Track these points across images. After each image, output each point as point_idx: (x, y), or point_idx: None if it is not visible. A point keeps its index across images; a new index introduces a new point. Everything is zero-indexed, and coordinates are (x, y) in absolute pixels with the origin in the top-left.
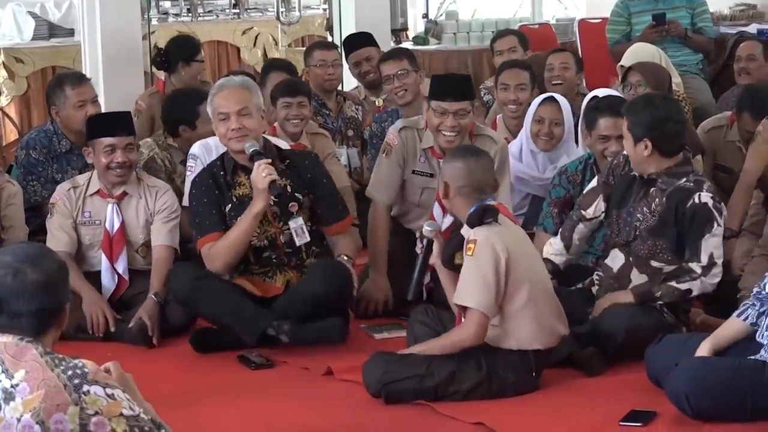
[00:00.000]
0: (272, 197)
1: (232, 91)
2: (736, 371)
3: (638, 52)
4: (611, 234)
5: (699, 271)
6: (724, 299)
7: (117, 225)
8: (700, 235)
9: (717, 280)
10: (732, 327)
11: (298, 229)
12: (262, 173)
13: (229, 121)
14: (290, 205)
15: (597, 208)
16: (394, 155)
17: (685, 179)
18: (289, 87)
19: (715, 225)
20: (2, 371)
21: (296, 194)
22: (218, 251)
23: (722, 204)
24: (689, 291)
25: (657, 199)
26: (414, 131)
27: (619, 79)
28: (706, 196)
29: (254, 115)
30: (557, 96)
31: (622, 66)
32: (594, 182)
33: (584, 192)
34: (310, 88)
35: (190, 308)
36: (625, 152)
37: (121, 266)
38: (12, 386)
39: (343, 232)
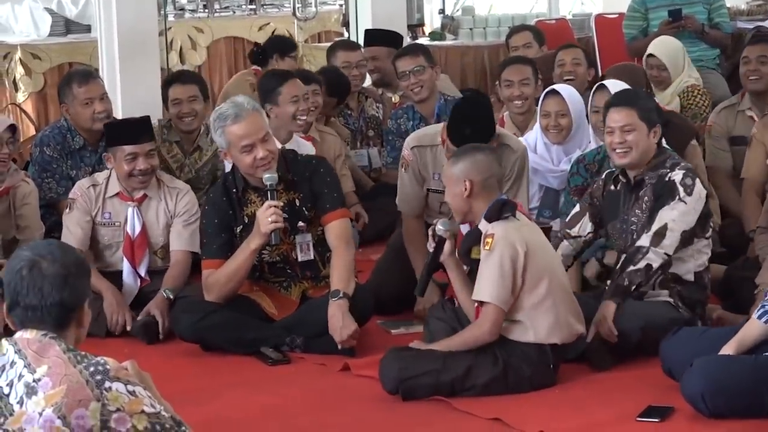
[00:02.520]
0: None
1: (250, 119)
2: (751, 369)
3: (666, 42)
4: (615, 245)
5: (646, 244)
6: (741, 295)
7: (138, 229)
8: (661, 206)
9: (669, 250)
10: (755, 329)
11: (304, 244)
12: (269, 218)
13: (255, 149)
14: (299, 225)
15: (582, 227)
16: (411, 169)
17: (664, 168)
18: (301, 76)
19: (677, 198)
20: (25, 366)
21: (304, 209)
22: (215, 283)
23: (696, 180)
24: (649, 267)
25: (646, 197)
26: (426, 150)
27: (647, 71)
28: (676, 174)
29: (272, 136)
30: (560, 87)
31: (650, 55)
32: (576, 208)
33: (569, 217)
34: (321, 78)
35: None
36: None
37: (143, 269)
38: (34, 381)
39: (334, 221)
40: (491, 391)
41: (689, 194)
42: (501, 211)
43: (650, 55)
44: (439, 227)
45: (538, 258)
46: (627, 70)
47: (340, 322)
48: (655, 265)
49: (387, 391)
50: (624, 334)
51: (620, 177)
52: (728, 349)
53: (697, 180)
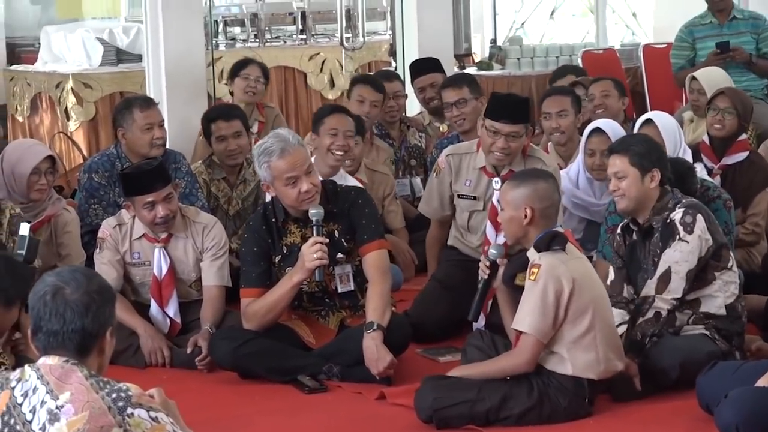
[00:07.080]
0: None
1: (295, 153)
2: None
3: (712, 71)
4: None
5: (652, 292)
6: None
7: (165, 269)
8: (663, 250)
9: (676, 294)
10: None
11: (343, 275)
12: (314, 254)
13: (300, 182)
14: (338, 256)
15: (629, 291)
16: (442, 176)
17: (667, 209)
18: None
19: (677, 238)
20: (47, 392)
21: (343, 240)
22: (255, 313)
23: (697, 216)
24: (658, 315)
25: (657, 241)
26: (461, 156)
27: (688, 95)
28: (675, 214)
29: (315, 169)
30: (603, 125)
31: (694, 78)
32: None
33: (609, 283)
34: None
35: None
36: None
37: (171, 310)
38: (57, 407)
39: (372, 252)
40: (526, 422)
41: (690, 233)
42: (551, 243)
43: (693, 78)
44: (492, 251)
45: (584, 293)
46: (742, 97)
47: (375, 355)
48: (664, 312)
49: (421, 421)
50: (663, 370)
51: (631, 225)
52: (764, 382)
53: (699, 216)
